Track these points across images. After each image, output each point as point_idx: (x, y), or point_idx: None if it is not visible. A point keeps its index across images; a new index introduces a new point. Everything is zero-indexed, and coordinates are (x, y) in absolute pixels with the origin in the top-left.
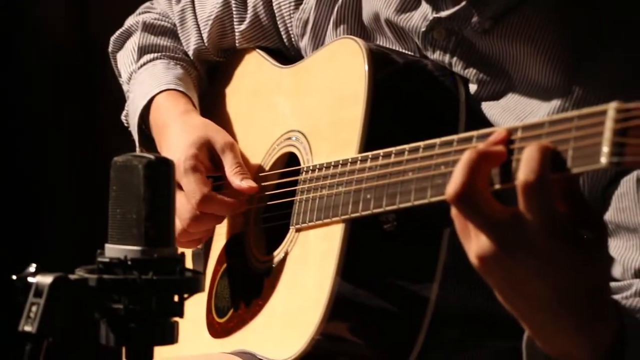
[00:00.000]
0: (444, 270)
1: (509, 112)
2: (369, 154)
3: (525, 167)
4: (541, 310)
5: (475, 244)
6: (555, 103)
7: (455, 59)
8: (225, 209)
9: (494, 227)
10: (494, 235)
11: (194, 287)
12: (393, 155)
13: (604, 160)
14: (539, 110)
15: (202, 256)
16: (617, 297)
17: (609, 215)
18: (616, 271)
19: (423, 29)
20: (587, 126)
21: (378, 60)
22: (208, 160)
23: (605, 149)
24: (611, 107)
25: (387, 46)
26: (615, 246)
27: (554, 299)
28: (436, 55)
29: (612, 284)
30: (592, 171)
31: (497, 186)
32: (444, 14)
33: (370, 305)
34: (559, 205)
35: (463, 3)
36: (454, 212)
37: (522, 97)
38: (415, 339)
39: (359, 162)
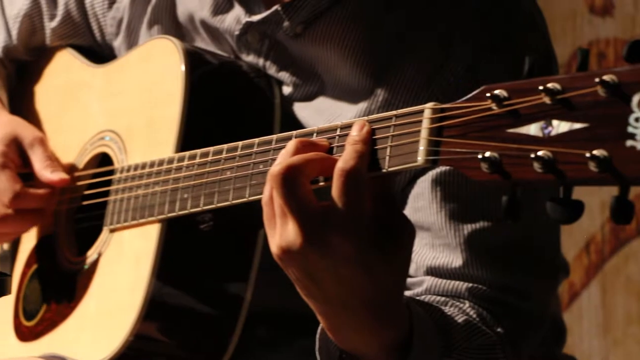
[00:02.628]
0: (259, 270)
1: (320, 113)
2: (186, 153)
3: (342, 158)
4: (337, 307)
5: (280, 233)
6: (362, 105)
7: (268, 62)
8: (40, 202)
9: (303, 216)
10: (301, 224)
11: None
12: (211, 155)
13: (420, 158)
14: (347, 113)
15: (8, 258)
16: (408, 293)
17: (405, 214)
18: (410, 267)
19: (237, 32)
20: (405, 125)
21: (194, 60)
22: (18, 157)
23: (422, 147)
24: (427, 107)
25: (203, 47)
26: None
27: (351, 299)
28: (250, 58)
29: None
30: (407, 170)
31: (322, 183)
32: (255, 18)
33: (186, 306)
34: (369, 207)
35: (274, 7)
36: (266, 195)
37: (332, 99)
38: (229, 339)
39: (175, 161)
